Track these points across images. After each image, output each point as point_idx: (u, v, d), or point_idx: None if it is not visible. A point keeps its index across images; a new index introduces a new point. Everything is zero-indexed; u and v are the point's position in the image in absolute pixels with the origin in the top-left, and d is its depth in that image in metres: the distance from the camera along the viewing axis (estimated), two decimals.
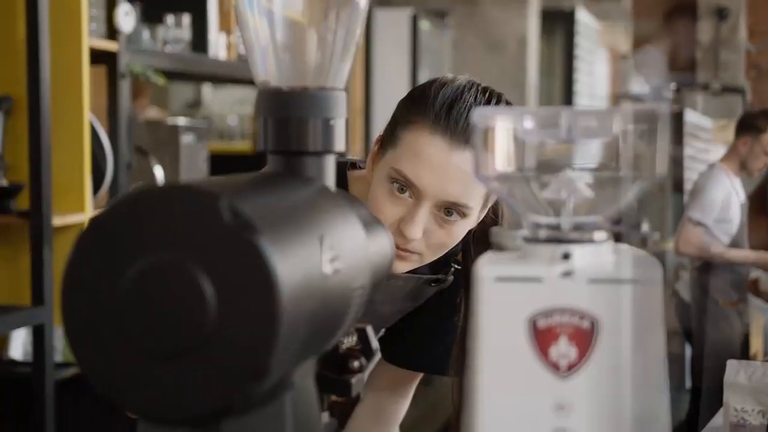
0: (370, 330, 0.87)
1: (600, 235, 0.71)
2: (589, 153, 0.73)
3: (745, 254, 4.83)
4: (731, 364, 2.06)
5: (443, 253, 1.38)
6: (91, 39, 2.84)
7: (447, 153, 1.30)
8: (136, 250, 0.63)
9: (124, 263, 0.63)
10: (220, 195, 0.62)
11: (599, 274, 0.69)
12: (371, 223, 0.86)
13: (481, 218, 1.39)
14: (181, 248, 0.62)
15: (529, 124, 0.71)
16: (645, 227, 6.68)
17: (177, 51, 3.39)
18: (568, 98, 7.83)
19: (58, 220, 2.65)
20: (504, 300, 0.69)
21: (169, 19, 3.38)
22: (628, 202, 0.73)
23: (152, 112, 4.86)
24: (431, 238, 1.33)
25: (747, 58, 8.10)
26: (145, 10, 3.30)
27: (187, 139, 3.49)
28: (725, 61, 7.98)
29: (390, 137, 1.36)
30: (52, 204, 2.61)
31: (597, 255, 0.71)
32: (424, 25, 5.81)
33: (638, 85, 7.58)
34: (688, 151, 6.68)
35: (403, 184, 1.31)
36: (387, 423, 1.62)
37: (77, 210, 2.79)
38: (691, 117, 6.80)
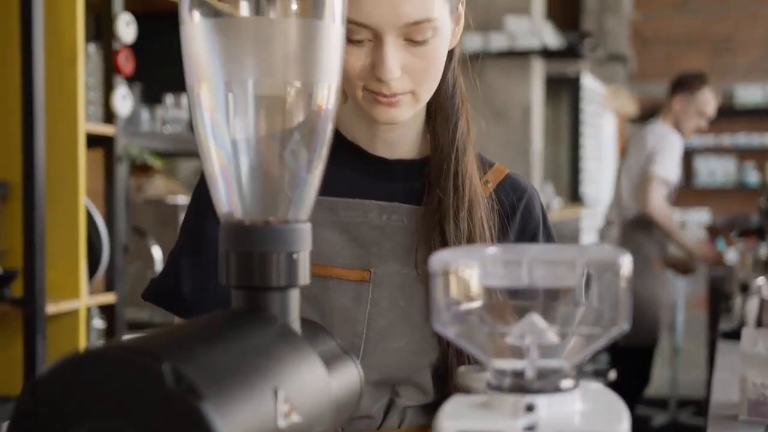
0: None
1: (566, 383, 0.69)
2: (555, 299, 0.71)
3: (691, 243, 4.79)
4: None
5: (436, 83, 1.28)
6: (88, 123, 2.84)
7: None
8: (76, 416, 0.60)
9: (63, 430, 0.60)
10: (163, 358, 0.60)
11: (564, 428, 0.66)
12: (336, 356, 0.83)
13: (458, 31, 1.31)
14: (122, 414, 0.59)
15: (489, 268, 0.69)
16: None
17: (176, 131, 3.39)
18: (574, 163, 7.82)
19: (52, 308, 2.62)
20: None
21: (168, 99, 3.39)
22: (596, 348, 0.71)
23: (158, 182, 4.85)
24: (413, 70, 1.24)
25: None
26: (144, 91, 3.31)
27: None
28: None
29: None
30: (46, 291, 2.59)
31: (563, 405, 0.68)
32: None
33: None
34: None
35: (354, 33, 1.20)
36: None
37: (72, 296, 2.76)
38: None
